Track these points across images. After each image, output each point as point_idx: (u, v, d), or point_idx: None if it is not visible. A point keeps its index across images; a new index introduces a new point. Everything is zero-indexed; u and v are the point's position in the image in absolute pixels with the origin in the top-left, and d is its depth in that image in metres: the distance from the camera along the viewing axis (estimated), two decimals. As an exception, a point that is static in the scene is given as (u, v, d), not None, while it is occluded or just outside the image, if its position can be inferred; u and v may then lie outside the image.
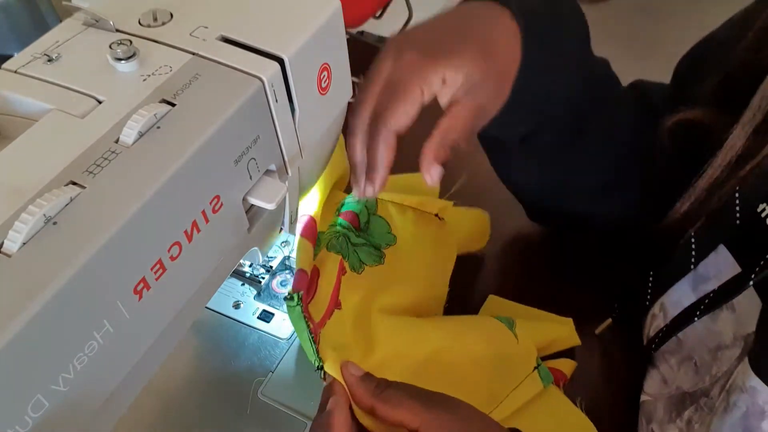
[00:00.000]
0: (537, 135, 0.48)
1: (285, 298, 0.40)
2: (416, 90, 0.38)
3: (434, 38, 0.40)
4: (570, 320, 0.52)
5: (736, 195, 0.40)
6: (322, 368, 0.39)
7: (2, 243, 0.25)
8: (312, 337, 0.40)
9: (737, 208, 0.40)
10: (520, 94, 0.42)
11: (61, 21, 0.36)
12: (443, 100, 0.40)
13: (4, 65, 0.32)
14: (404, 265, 0.49)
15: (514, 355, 0.45)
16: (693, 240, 0.43)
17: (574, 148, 0.49)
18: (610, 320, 0.52)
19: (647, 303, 0.48)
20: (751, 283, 0.37)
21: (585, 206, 0.53)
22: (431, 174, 0.39)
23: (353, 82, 0.41)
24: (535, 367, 0.46)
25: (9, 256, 0.25)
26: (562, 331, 0.49)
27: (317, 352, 0.39)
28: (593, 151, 0.50)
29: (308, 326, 0.40)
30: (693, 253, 0.43)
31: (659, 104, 0.49)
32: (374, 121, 0.39)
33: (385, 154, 0.39)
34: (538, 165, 0.51)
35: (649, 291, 0.48)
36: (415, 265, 0.49)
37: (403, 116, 0.38)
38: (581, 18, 0.46)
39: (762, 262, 0.37)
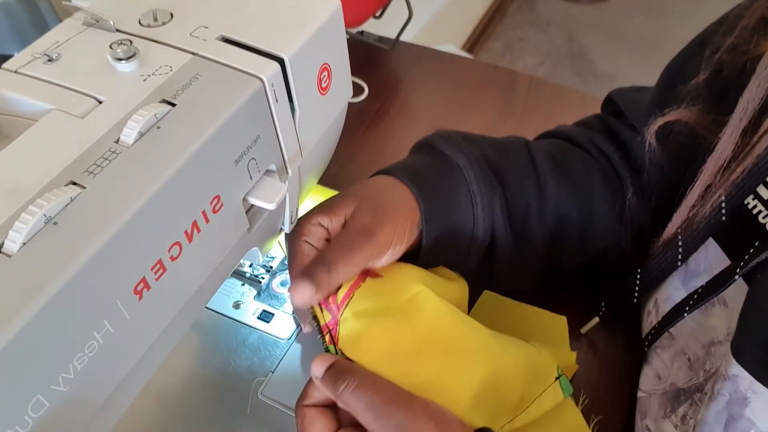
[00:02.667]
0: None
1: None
2: (300, 244, 0.42)
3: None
4: (564, 318, 0.52)
5: (721, 193, 0.40)
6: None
7: (2, 243, 0.25)
8: (325, 336, 0.40)
9: (723, 205, 0.40)
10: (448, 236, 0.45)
11: (61, 21, 0.35)
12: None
13: (4, 65, 0.32)
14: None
15: (539, 363, 0.45)
16: (680, 238, 0.43)
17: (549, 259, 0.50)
18: (597, 319, 0.52)
19: (635, 301, 0.48)
20: (737, 277, 0.37)
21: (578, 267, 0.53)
22: (297, 289, 0.38)
23: (353, 82, 0.41)
24: (557, 378, 0.45)
25: (9, 256, 0.25)
26: (565, 360, 0.49)
27: (334, 348, 0.40)
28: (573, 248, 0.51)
29: (320, 328, 0.40)
30: (680, 250, 0.43)
31: (640, 119, 0.49)
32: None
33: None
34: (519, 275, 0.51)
35: (637, 289, 0.48)
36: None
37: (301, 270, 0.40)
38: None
39: (746, 256, 0.37)
